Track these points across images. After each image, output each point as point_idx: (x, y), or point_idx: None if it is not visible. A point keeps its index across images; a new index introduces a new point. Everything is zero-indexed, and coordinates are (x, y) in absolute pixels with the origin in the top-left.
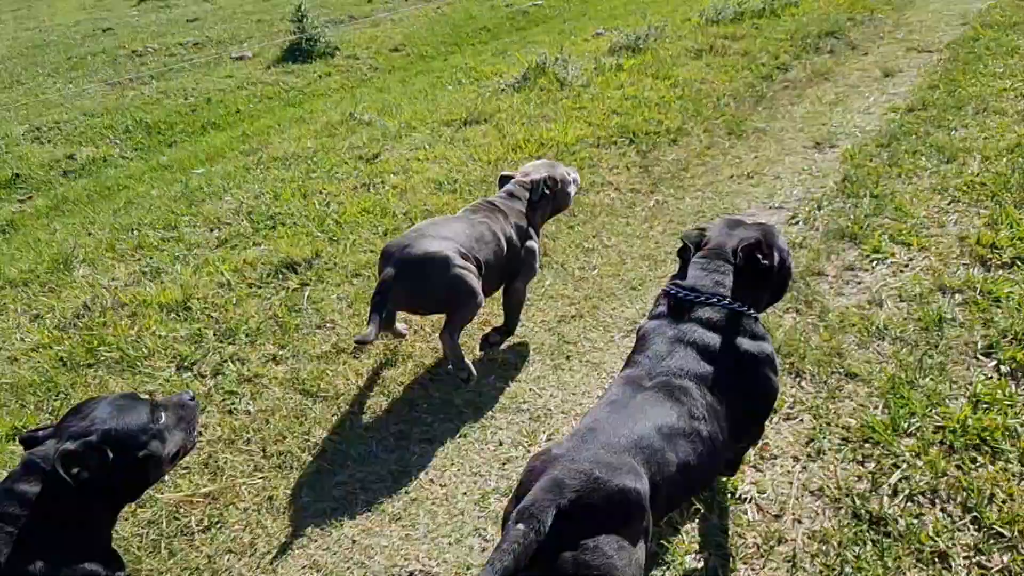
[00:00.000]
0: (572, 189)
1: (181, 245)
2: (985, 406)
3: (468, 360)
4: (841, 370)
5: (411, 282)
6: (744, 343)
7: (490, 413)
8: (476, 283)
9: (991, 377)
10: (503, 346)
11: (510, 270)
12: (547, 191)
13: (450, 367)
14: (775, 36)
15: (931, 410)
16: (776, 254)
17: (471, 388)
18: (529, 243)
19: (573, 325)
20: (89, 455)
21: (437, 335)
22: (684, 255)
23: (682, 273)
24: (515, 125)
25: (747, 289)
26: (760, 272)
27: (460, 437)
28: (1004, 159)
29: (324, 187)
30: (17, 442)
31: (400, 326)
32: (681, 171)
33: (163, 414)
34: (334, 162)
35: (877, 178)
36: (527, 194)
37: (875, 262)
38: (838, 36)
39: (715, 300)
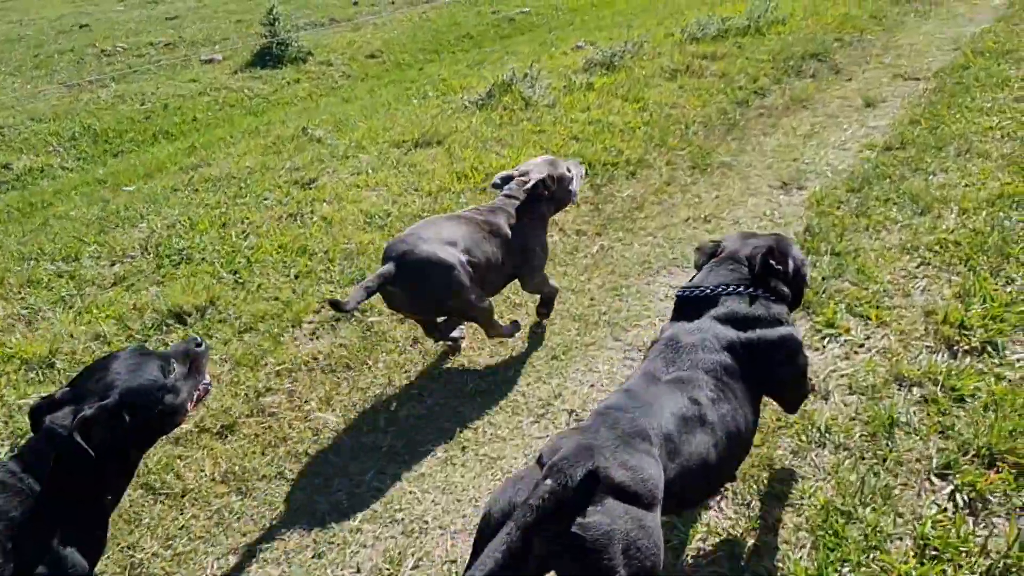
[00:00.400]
0: (574, 185)
1: (73, 283)
2: (934, 554)
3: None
4: (768, 489)
5: (408, 286)
6: (766, 332)
7: (356, 523)
8: (474, 287)
9: (944, 509)
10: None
11: (513, 269)
12: (545, 191)
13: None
14: (757, 57)
15: (868, 556)
16: (790, 261)
17: (342, 487)
18: (530, 242)
19: (476, 404)
20: (106, 420)
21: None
22: (700, 264)
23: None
24: (467, 149)
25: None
26: (774, 277)
27: (315, 557)
28: (983, 213)
29: (248, 215)
30: None
31: (455, 333)
32: (635, 210)
33: (174, 366)
34: (267, 186)
35: (842, 230)
36: (525, 195)
37: (827, 339)
38: (822, 59)
39: (732, 288)
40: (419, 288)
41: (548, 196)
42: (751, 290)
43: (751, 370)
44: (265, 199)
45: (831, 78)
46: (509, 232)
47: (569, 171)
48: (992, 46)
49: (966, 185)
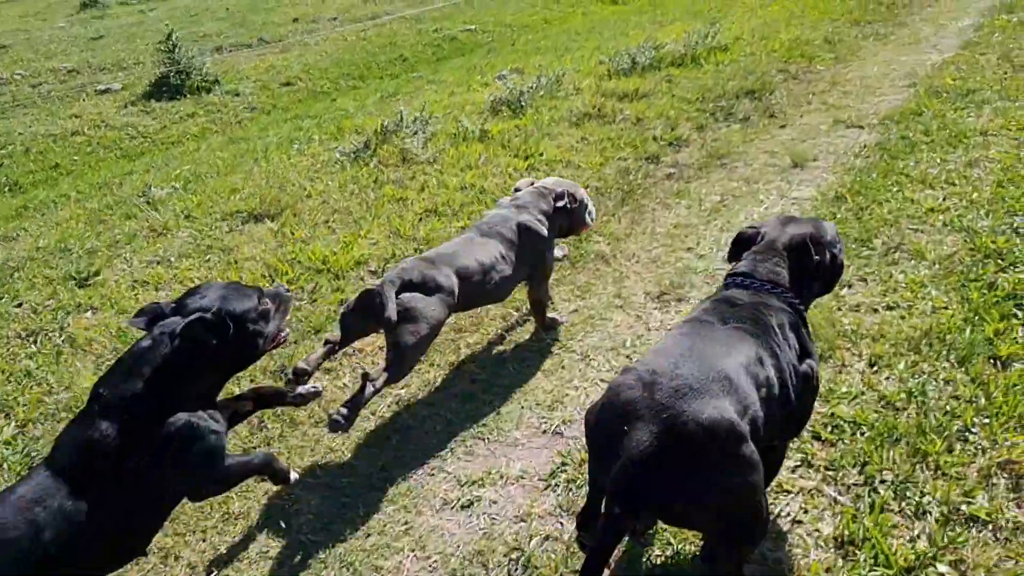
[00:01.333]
0: (589, 218)
1: None
2: None
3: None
4: None
5: (375, 313)
6: (802, 335)
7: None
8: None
9: None
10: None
11: (529, 263)
12: (564, 205)
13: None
14: (684, 95)
15: None
16: (826, 250)
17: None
18: (542, 247)
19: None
20: (213, 324)
21: None
22: (737, 246)
23: (735, 268)
24: (304, 227)
25: (798, 281)
26: (811, 264)
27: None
28: (900, 364)
29: None
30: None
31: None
32: (456, 338)
33: (267, 300)
34: (36, 281)
35: None
36: (550, 201)
37: None
38: (759, 97)
39: (768, 287)
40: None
41: (568, 212)
42: (792, 295)
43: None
44: (17, 304)
45: (764, 123)
46: (531, 222)
47: (587, 202)
48: (951, 83)
49: (888, 308)
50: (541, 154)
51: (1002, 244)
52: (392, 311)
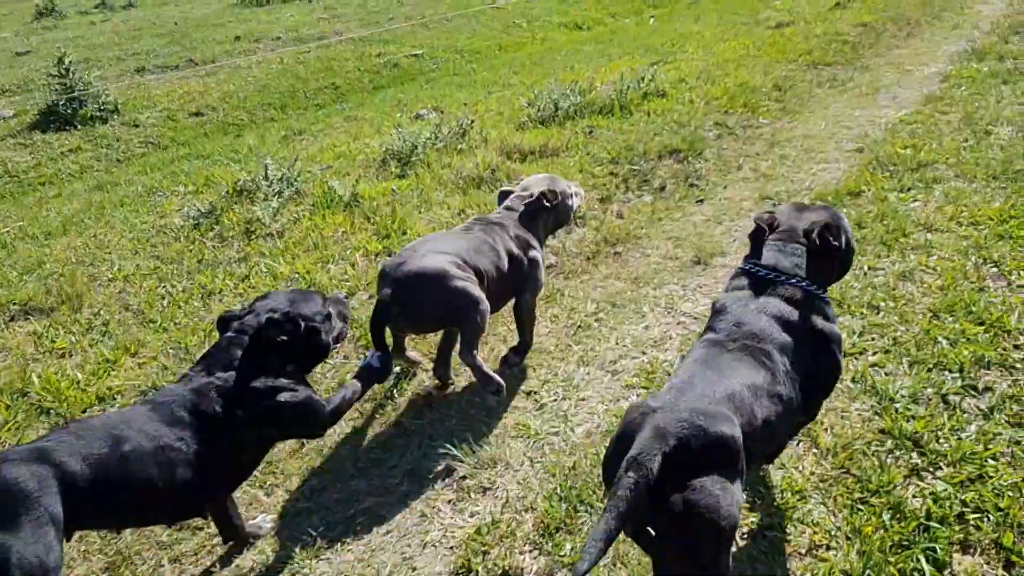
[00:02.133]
0: (574, 202)
1: None
2: None
3: (494, 373)
4: None
5: (409, 301)
6: (819, 321)
7: None
8: (477, 292)
9: None
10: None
11: (515, 283)
12: (547, 203)
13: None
14: (600, 153)
15: None
16: (843, 235)
17: None
18: (532, 254)
19: None
20: (285, 323)
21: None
22: (758, 236)
23: (755, 254)
24: (75, 332)
25: (818, 266)
26: (831, 251)
27: None
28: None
29: None
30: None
31: (412, 353)
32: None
33: (330, 304)
34: None
35: None
36: (524, 207)
37: None
38: (685, 158)
39: (795, 280)
40: (417, 303)
41: (549, 210)
42: (815, 287)
43: (808, 352)
44: None
45: (681, 195)
46: (510, 245)
47: (568, 189)
48: (902, 152)
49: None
50: (404, 232)
51: (920, 427)
52: None
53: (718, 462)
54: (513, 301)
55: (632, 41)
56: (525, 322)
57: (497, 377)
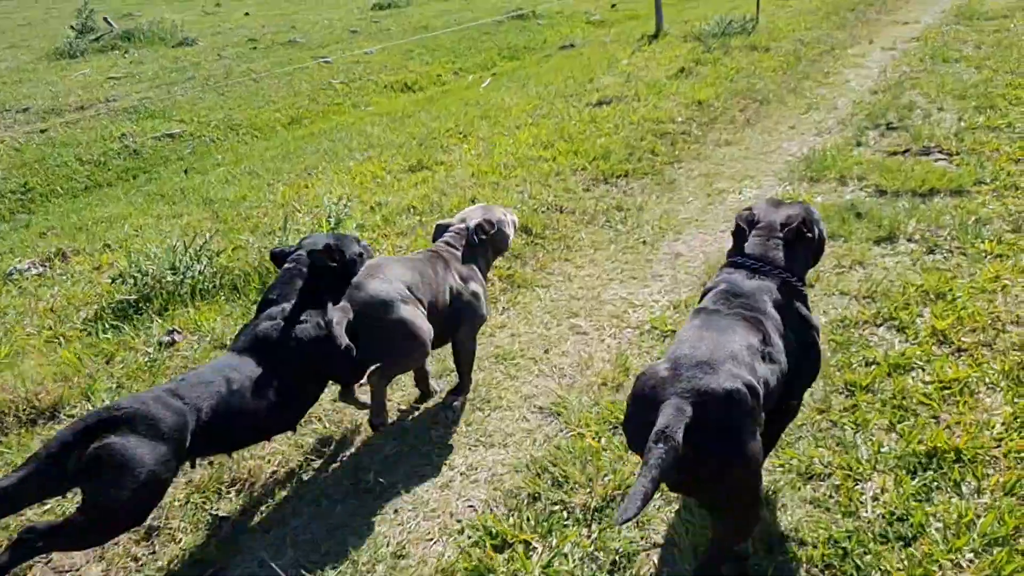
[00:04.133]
0: (510, 230)
1: None
2: None
3: (387, 410)
4: None
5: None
6: (802, 309)
7: None
8: (421, 325)
9: None
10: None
11: (454, 319)
12: (483, 235)
13: (364, 410)
14: None
15: None
16: (816, 227)
17: None
18: (472, 286)
19: None
20: (334, 251)
21: None
22: (740, 233)
23: (738, 248)
24: None
25: (795, 257)
26: (805, 243)
27: None
28: None
29: None
30: None
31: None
32: None
33: (363, 247)
34: None
35: None
36: (463, 240)
37: None
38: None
39: (778, 271)
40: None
41: (486, 240)
42: (796, 279)
43: (792, 335)
44: None
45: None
46: (451, 280)
47: (504, 217)
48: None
49: None
50: None
51: None
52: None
53: (735, 414)
54: (452, 339)
55: (438, 117)
56: (465, 361)
57: (387, 415)
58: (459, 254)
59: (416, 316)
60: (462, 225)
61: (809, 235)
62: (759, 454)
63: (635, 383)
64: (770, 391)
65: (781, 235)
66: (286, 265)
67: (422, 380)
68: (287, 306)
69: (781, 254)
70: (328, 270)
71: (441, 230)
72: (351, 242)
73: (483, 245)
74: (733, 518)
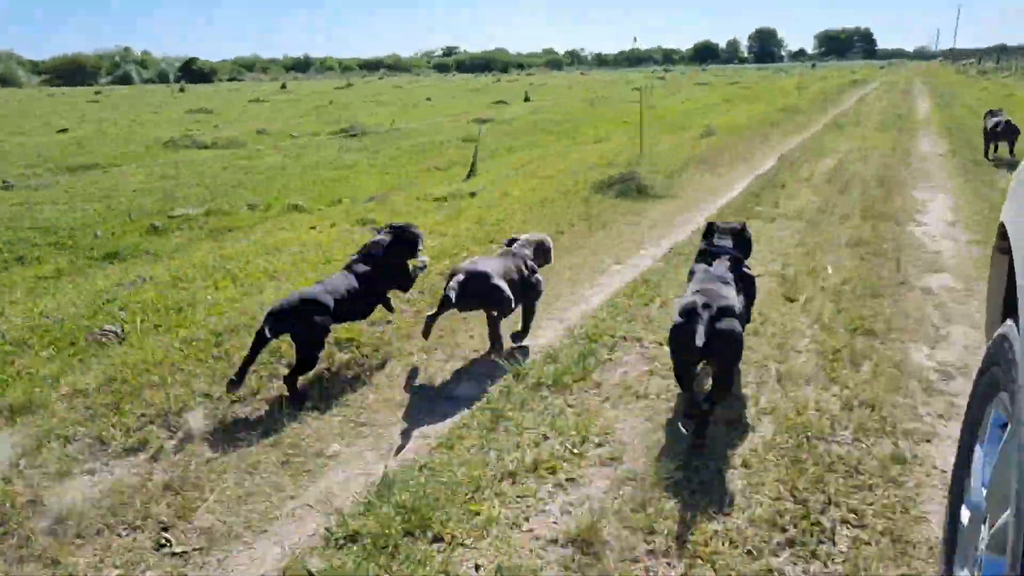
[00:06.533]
0: (552, 254)
1: None
2: None
3: (501, 337)
4: None
5: (473, 291)
6: (745, 270)
7: None
8: (505, 289)
9: None
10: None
11: (525, 292)
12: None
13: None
14: None
15: None
16: (749, 232)
17: None
18: (537, 274)
19: None
20: (398, 239)
21: None
22: (709, 231)
23: (708, 241)
24: None
25: (740, 247)
26: (747, 239)
27: None
28: None
29: None
30: None
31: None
32: None
33: (421, 238)
34: None
35: None
36: (531, 248)
37: None
38: None
39: (733, 253)
40: (477, 293)
41: (543, 251)
42: (740, 254)
43: (742, 286)
44: None
45: None
46: (521, 266)
47: (550, 242)
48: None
49: None
50: None
51: None
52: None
53: (733, 315)
54: (522, 305)
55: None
56: (528, 317)
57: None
58: (528, 252)
59: (502, 284)
60: (526, 239)
61: (748, 234)
62: (742, 336)
63: (678, 310)
64: (743, 311)
65: (732, 232)
66: (376, 237)
67: (495, 333)
68: (371, 253)
69: (731, 244)
70: (403, 238)
71: (512, 240)
72: (415, 228)
73: (540, 253)
74: (727, 375)
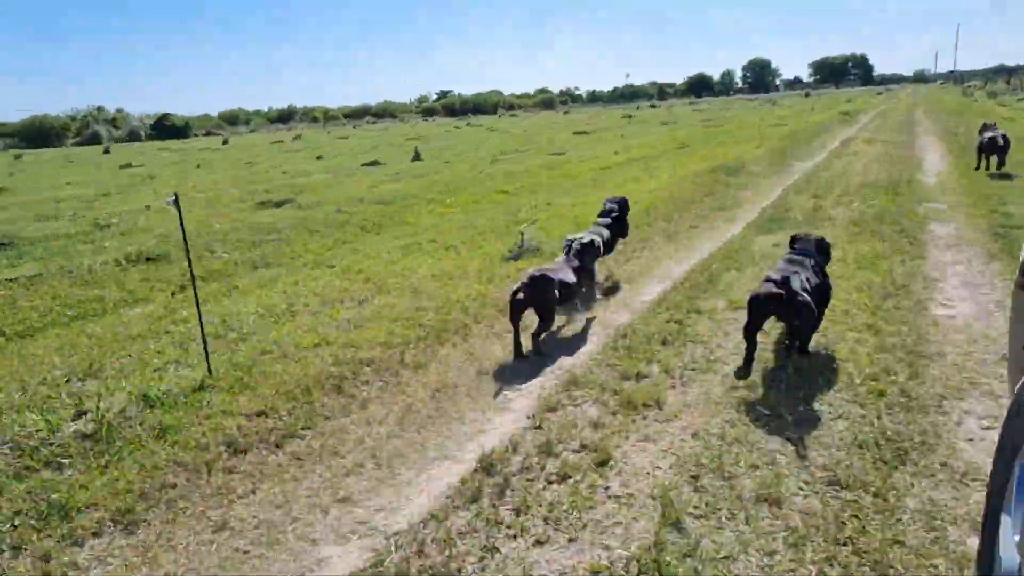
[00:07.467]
0: (601, 246)
1: None
2: None
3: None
4: None
5: (536, 291)
6: (821, 268)
7: None
8: (571, 283)
9: None
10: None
11: (587, 279)
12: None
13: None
14: None
15: None
16: (828, 244)
17: None
18: (595, 266)
19: None
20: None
21: None
22: (793, 241)
23: (792, 247)
24: None
25: (821, 254)
26: (827, 248)
27: None
28: None
29: None
30: None
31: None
32: None
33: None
34: None
35: None
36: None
37: None
38: None
39: (813, 256)
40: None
41: (597, 252)
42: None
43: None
44: None
45: None
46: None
47: (598, 238)
48: None
49: None
50: None
51: None
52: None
53: (808, 291)
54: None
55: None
56: (590, 298)
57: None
58: (604, 222)
59: (561, 283)
60: (583, 239)
61: (828, 242)
62: (813, 304)
63: (757, 289)
64: (813, 287)
65: (812, 242)
66: (602, 215)
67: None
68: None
69: (814, 250)
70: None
71: (569, 241)
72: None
73: (592, 251)
74: (805, 332)
